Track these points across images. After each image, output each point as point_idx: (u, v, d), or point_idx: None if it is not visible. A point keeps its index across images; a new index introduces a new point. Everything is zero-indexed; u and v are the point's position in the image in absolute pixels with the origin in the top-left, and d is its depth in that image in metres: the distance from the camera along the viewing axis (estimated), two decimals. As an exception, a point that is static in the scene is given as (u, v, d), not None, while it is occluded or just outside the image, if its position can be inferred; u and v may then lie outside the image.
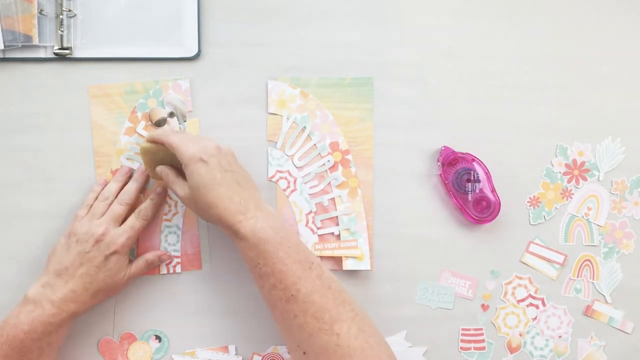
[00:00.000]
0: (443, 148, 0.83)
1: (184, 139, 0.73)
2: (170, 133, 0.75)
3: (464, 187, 0.82)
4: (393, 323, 0.84)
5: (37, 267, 0.80)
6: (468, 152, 0.83)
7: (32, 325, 0.71)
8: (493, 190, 0.83)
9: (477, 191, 0.82)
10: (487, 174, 0.82)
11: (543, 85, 0.85)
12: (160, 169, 0.76)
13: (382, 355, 0.67)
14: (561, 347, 0.85)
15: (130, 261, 0.79)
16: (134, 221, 0.77)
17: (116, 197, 0.79)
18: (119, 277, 0.77)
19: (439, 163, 0.83)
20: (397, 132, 0.84)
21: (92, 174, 0.82)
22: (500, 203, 0.82)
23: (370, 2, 0.84)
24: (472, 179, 0.82)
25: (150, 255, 0.80)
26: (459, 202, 0.83)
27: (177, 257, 0.82)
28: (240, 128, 0.83)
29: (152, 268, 0.81)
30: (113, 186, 0.79)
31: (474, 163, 0.82)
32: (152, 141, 0.76)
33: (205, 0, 0.82)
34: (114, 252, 0.75)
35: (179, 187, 0.74)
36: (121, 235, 0.76)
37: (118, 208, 0.77)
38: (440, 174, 0.83)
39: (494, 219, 0.83)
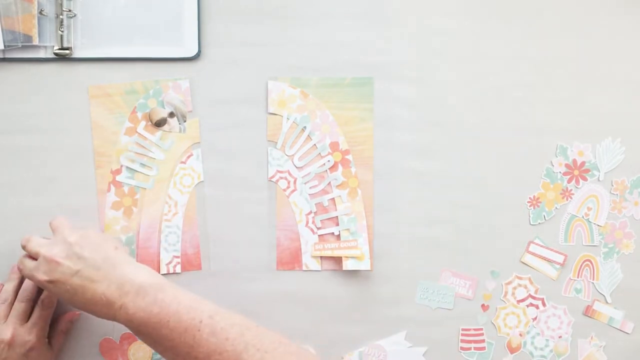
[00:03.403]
0: None
1: (29, 265, 0.73)
2: (24, 260, 0.74)
3: None
4: (393, 323, 0.84)
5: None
6: (468, 152, 0.82)
7: None
8: None
9: None
10: None
11: (543, 85, 0.85)
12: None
13: None
14: (561, 347, 0.85)
15: (50, 341, 0.78)
16: (39, 312, 0.76)
17: (16, 295, 0.77)
18: None
19: None
20: (397, 132, 0.84)
21: (92, 174, 0.82)
22: None
23: (370, 2, 0.84)
24: None
25: (61, 326, 0.80)
26: None
27: (177, 257, 0.82)
28: (240, 128, 0.83)
29: (68, 331, 0.81)
30: (9, 287, 0.78)
31: None
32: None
33: (205, 0, 0.82)
34: (31, 349, 0.74)
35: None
36: (31, 330, 0.75)
37: (20, 306, 0.76)
38: None
39: None
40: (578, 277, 0.85)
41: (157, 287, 0.69)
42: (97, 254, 0.71)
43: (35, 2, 0.79)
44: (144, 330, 0.68)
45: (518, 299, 0.85)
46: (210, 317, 0.67)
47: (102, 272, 0.69)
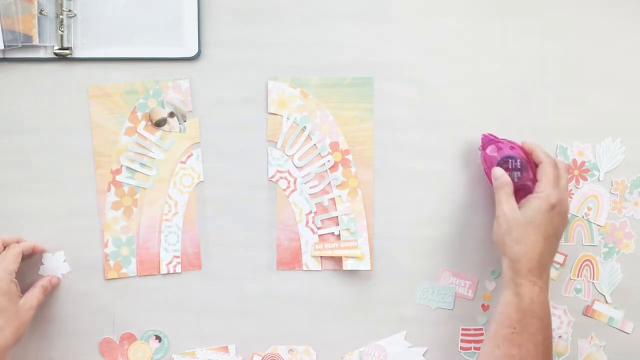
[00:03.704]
0: (485, 135, 0.81)
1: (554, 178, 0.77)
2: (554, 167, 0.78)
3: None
4: (393, 323, 0.84)
5: (36, 267, 0.80)
6: (468, 152, 0.83)
7: None
8: (534, 179, 0.79)
9: (516, 180, 0.79)
10: (528, 160, 0.80)
11: (543, 85, 0.85)
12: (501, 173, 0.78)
13: None
14: (561, 347, 0.85)
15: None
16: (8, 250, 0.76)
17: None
18: (13, 308, 0.73)
19: (481, 151, 0.81)
20: (397, 132, 0.84)
21: (92, 174, 0.82)
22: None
23: (370, 2, 0.84)
24: (510, 167, 0.79)
25: (43, 281, 0.78)
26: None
27: (177, 257, 0.82)
28: (240, 128, 0.83)
29: (47, 293, 0.79)
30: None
31: (516, 149, 0.80)
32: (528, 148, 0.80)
33: (205, 0, 0.82)
34: None
35: (508, 204, 0.76)
36: None
37: None
38: (484, 161, 0.81)
39: None
40: (578, 277, 0.85)
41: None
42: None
43: (35, 2, 0.79)
44: (528, 319, 0.72)
45: (518, 299, 0.85)
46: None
47: (553, 253, 0.77)
